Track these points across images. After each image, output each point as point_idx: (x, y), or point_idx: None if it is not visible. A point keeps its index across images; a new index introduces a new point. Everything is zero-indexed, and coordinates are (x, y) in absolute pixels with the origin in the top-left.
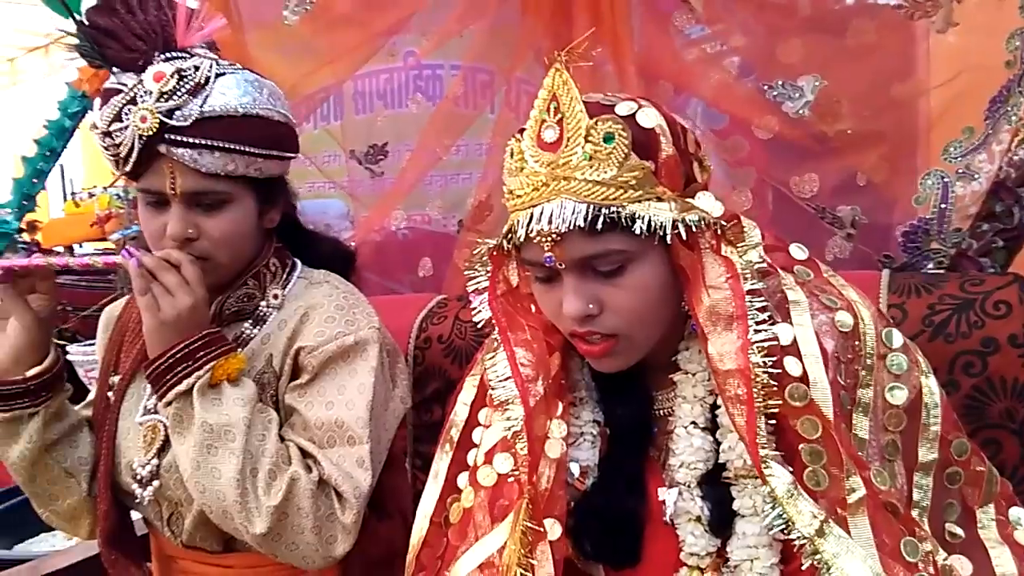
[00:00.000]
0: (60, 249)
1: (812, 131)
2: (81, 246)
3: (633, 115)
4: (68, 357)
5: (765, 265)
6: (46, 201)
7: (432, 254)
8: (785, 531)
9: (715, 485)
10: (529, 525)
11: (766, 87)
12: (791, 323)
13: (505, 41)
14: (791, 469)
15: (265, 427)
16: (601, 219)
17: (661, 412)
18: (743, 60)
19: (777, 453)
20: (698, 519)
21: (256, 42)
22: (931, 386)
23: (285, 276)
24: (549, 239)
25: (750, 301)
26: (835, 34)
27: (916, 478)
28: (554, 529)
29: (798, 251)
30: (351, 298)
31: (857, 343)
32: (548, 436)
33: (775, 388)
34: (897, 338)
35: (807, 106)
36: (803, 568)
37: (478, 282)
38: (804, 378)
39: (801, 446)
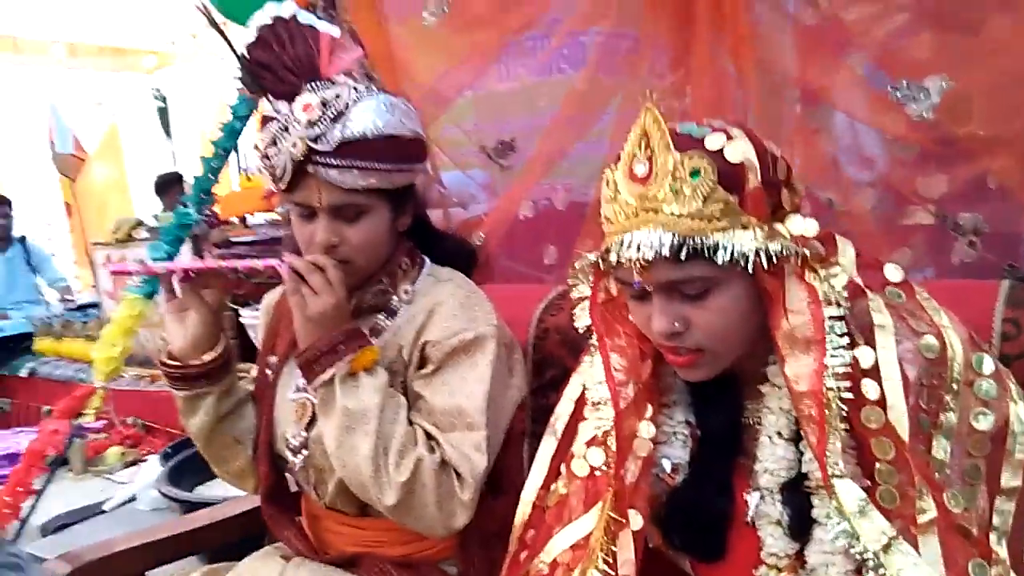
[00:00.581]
0: (235, 220)
1: (937, 134)
2: (253, 215)
3: (721, 150)
4: (241, 320)
5: (850, 285)
6: (225, 176)
7: (556, 242)
8: (850, 545)
9: (796, 492)
10: (613, 515)
11: (891, 88)
12: (875, 346)
13: (626, 44)
14: (868, 485)
15: (395, 411)
16: (685, 248)
17: (750, 421)
18: (869, 58)
19: (851, 470)
20: (778, 522)
21: (398, 41)
22: (1020, 414)
23: (415, 273)
24: (637, 264)
25: (830, 326)
26: (967, 31)
27: (998, 503)
28: (636, 520)
29: (893, 272)
30: (472, 296)
31: (943, 369)
32: (636, 435)
33: (846, 411)
34: (988, 364)
35: (931, 109)
36: None
37: (581, 291)
38: (881, 401)
39: (876, 465)
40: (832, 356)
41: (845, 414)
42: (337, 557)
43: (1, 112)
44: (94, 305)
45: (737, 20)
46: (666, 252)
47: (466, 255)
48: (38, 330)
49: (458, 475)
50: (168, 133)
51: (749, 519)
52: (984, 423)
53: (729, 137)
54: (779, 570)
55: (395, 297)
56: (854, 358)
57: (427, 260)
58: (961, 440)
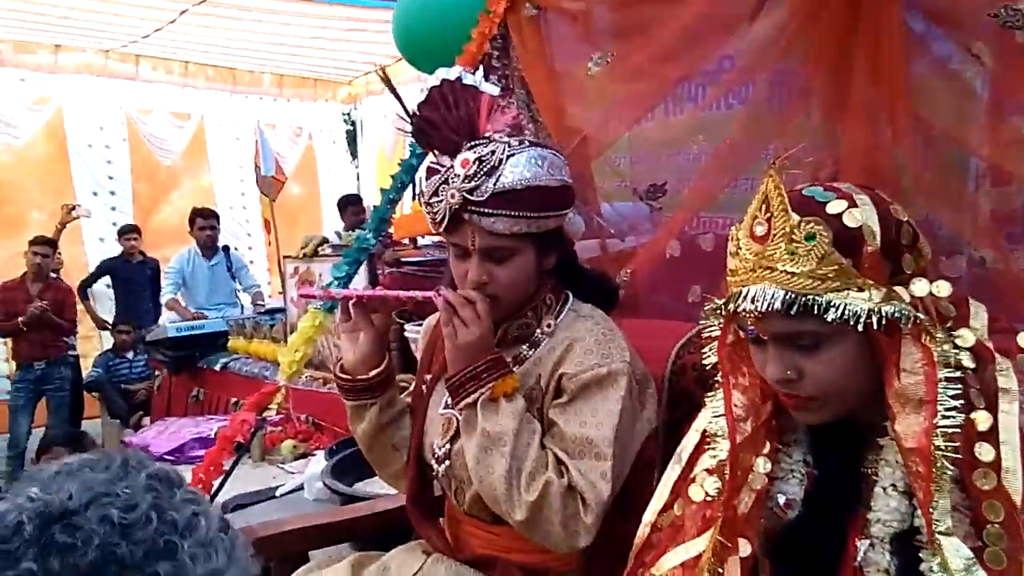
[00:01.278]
0: (406, 241)
1: None
2: (423, 237)
3: (840, 214)
4: (405, 334)
5: (978, 349)
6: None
7: (701, 282)
8: None
9: (906, 544)
10: (722, 541)
11: None
12: (997, 411)
13: (784, 92)
14: (979, 545)
15: (530, 436)
16: (797, 305)
17: (868, 471)
18: None
19: (964, 529)
20: (886, 571)
21: (564, 89)
22: None
23: (558, 308)
24: (752, 316)
25: (943, 388)
26: None
27: None
28: (745, 547)
29: None
30: (609, 334)
31: None
32: (752, 469)
33: (953, 471)
34: None
35: None
36: None
37: (712, 331)
38: (996, 464)
39: (986, 527)
40: (944, 417)
41: (953, 474)
42: (471, 557)
43: (216, 136)
44: (281, 310)
45: (896, 74)
46: (777, 307)
47: (608, 292)
48: (232, 330)
49: (583, 500)
50: (354, 156)
51: (857, 564)
52: None
53: (852, 204)
54: None
55: (538, 330)
56: (970, 420)
57: (570, 296)
58: None
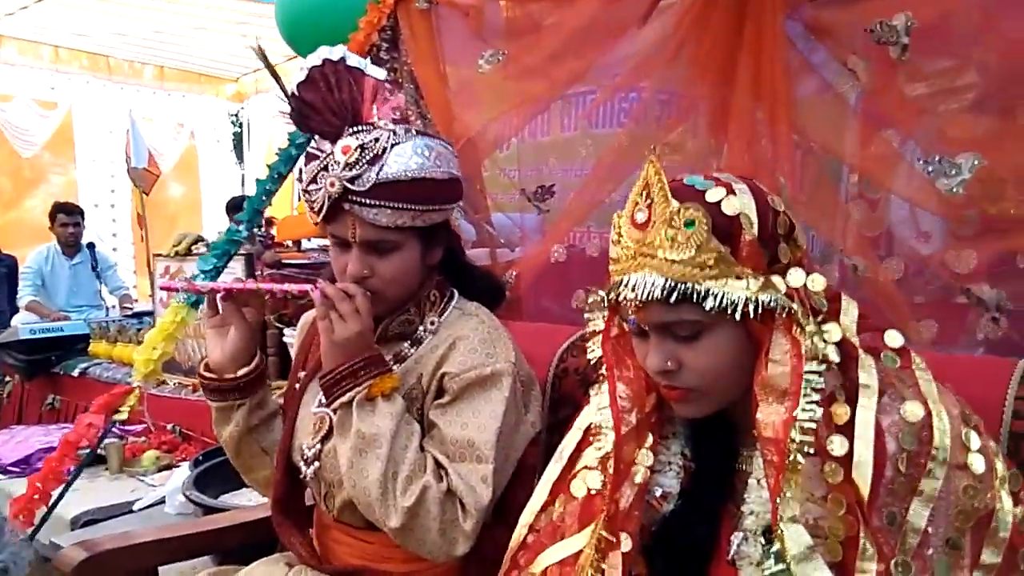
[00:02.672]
0: (290, 243)
1: (968, 210)
2: (309, 240)
3: (719, 202)
4: (284, 339)
5: (845, 345)
6: (288, 198)
7: (585, 287)
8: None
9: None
10: (605, 535)
11: (921, 161)
12: (855, 406)
13: (667, 104)
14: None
15: (408, 438)
16: (676, 293)
17: (742, 466)
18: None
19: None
20: (758, 564)
21: (454, 85)
22: (1004, 496)
23: (442, 305)
24: (633, 304)
25: (807, 380)
26: (1003, 114)
27: None
28: (626, 543)
29: (893, 338)
30: (494, 333)
31: (928, 436)
32: (635, 462)
33: (802, 464)
34: (975, 441)
35: (962, 185)
36: None
37: (595, 324)
38: (846, 459)
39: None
40: (803, 410)
41: (800, 466)
42: (340, 569)
43: (85, 128)
44: (149, 313)
45: (775, 88)
46: (657, 294)
47: (494, 291)
48: (94, 333)
49: (463, 505)
50: (240, 158)
51: (731, 558)
52: (970, 498)
53: (730, 191)
54: None
55: (421, 327)
56: (829, 414)
57: (456, 293)
58: (945, 510)
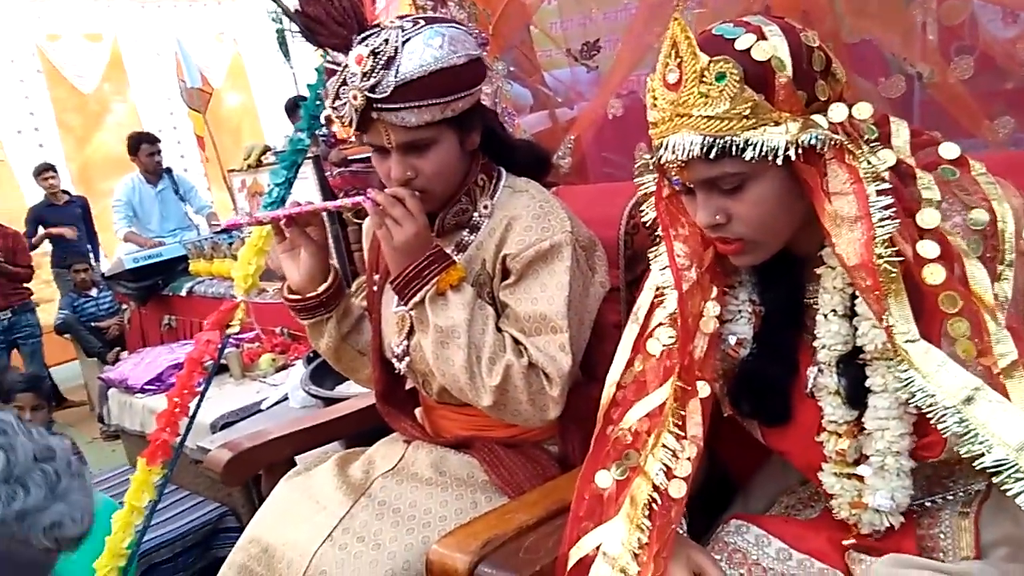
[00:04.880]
0: (352, 138)
1: None
2: None
3: (749, 49)
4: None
5: (901, 166)
6: None
7: (646, 138)
8: (929, 404)
9: (851, 365)
10: (682, 386)
11: None
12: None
13: None
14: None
15: (484, 322)
16: (715, 148)
17: (810, 301)
18: None
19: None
20: (836, 393)
21: None
22: None
23: (492, 187)
24: (675, 165)
25: (874, 200)
26: None
27: None
28: (704, 389)
29: (948, 150)
30: (546, 206)
31: (995, 240)
32: (703, 314)
33: (896, 272)
34: None
35: None
36: (943, 437)
37: (647, 187)
38: (941, 259)
39: (946, 322)
40: (879, 226)
41: (895, 281)
42: (451, 440)
43: (133, 55)
44: (237, 227)
45: None
46: (697, 152)
47: (540, 162)
48: (191, 253)
49: (546, 375)
50: (287, 55)
51: (809, 390)
52: None
53: (761, 36)
54: (839, 436)
55: (475, 213)
56: (909, 222)
57: (503, 172)
58: (1018, 308)
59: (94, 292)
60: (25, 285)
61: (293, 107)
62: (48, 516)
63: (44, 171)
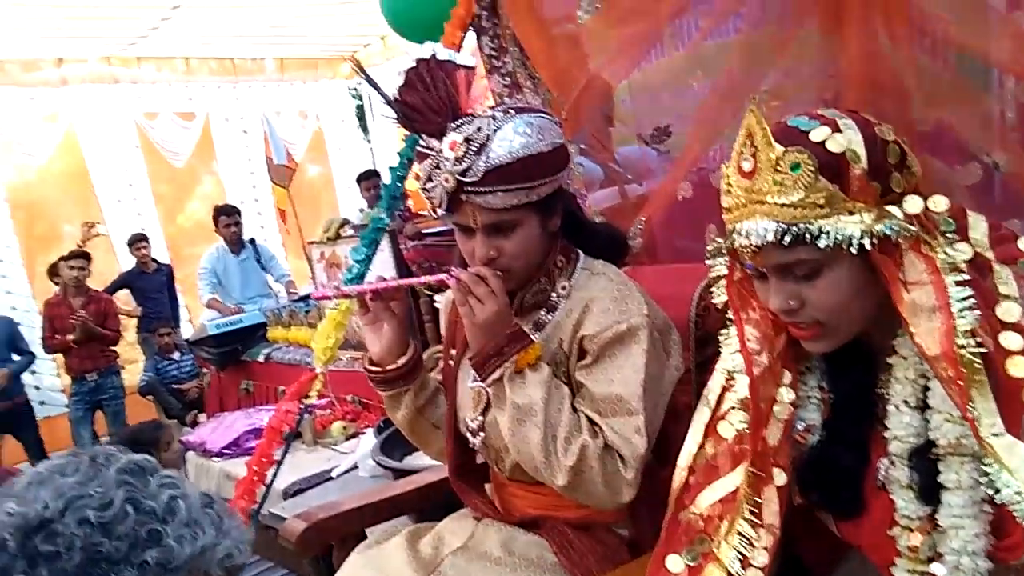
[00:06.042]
0: (426, 212)
1: None
2: None
3: (824, 141)
4: (436, 305)
5: (978, 259)
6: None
7: (716, 220)
8: (1016, 502)
9: (923, 459)
10: (755, 471)
11: None
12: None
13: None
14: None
15: (560, 402)
16: (789, 235)
17: (881, 391)
18: None
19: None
20: (908, 487)
21: (556, 40)
22: None
23: (571, 269)
24: (749, 250)
25: (952, 292)
26: None
27: None
28: (780, 477)
29: None
30: (624, 289)
31: None
32: (776, 400)
33: (980, 364)
34: None
35: None
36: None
37: (718, 269)
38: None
39: None
40: (960, 317)
41: (979, 372)
42: (521, 519)
43: (222, 131)
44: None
45: None
46: (770, 239)
47: (617, 245)
48: (270, 320)
49: (621, 457)
50: (365, 130)
51: (880, 482)
52: None
53: (835, 129)
54: (912, 531)
55: (554, 293)
56: (991, 313)
57: (581, 254)
58: None
59: (176, 355)
60: (112, 349)
61: (363, 177)
62: (220, 550)
63: (137, 241)
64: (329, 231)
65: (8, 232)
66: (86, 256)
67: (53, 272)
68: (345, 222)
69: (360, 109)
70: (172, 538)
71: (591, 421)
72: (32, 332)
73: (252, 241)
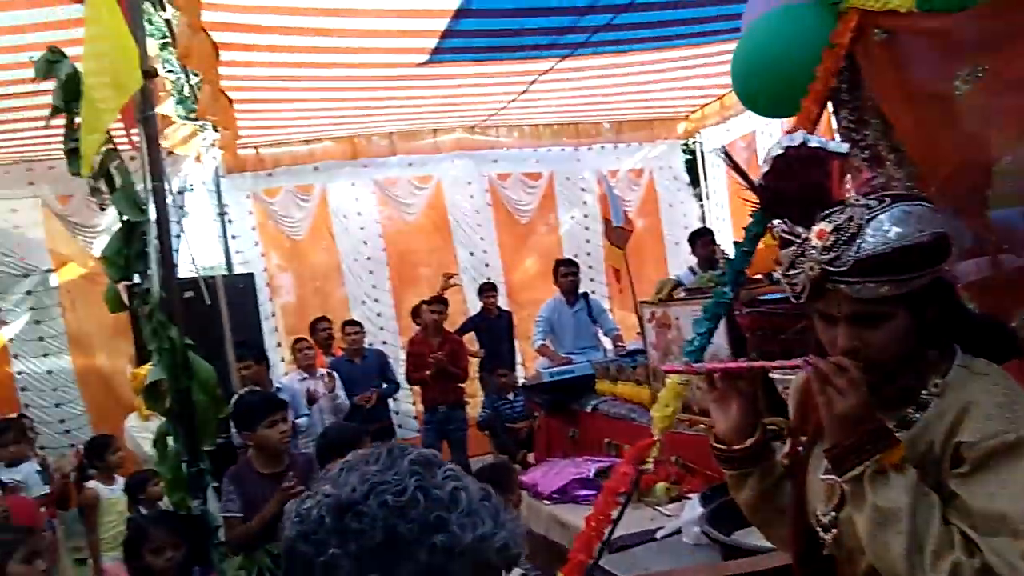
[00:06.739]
0: (760, 276)
1: None
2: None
3: None
4: (769, 374)
5: None
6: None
7: None
8: None
9: None
10: None
11: None
12: None
13: None
14: None
15: (929, 511)
16: None
17: None
18: None
19: None
20: None
21: (926, 114)
22: None
23: (945, 365)
24: None
25: None
26: None
27: None
28: None
29: None
30: (1011, 394)
31: None
32: None
33: None
34: None
35: None
36: None
37: None
38: None
39: None
40: None
41: None
42: None
43: (562, 190)
44: (641, 352)
45: None
46: None
47: (1002, 342)
48: (597, 372)
49: None
50: (696, 186)
51: None
52: None
53: None
54: None
55: (924, 390)
56: None
57: (958, 350)
58: None
59: (511, 396)
60: (460, 385)
61: (693, 237)
62: (498, 540)
63: (487, 290)
64: (661, 292)
65: (384, 278)
66: (444, 302)
67: (416, 314)
68: (678, 284)
69: (690, 163)
70: (456, 525)
71: (966, 537)
72: (395, 364)
73: (585, 295)
